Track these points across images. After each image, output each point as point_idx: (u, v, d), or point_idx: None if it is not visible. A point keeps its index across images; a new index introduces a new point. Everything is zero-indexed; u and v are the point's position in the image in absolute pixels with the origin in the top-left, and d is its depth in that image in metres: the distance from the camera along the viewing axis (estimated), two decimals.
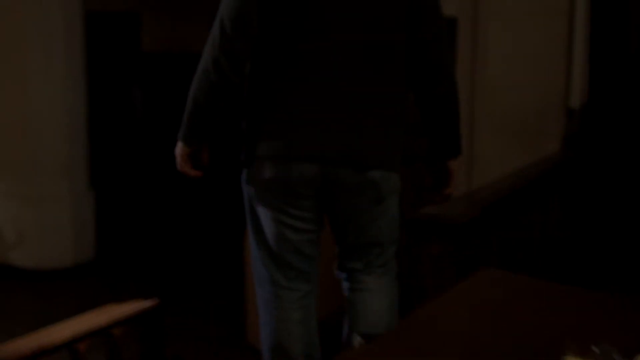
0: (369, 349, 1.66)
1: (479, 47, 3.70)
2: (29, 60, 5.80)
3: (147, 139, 8.01)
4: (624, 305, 1.74)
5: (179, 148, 2.62)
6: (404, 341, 1.58)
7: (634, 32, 3.56)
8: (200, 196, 7.60)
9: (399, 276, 2.66)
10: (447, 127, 2.65)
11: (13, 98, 5.88)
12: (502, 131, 3.48)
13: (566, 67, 3.61)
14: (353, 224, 2.60)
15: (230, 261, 6.01)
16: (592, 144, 3.55)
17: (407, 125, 2.59)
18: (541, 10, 3.61)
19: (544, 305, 1.71)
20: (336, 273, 2.81)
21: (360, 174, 2.48)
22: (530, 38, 3.63)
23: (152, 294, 5.54)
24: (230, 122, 2.91)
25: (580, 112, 3.58)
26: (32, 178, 5.97)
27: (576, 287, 1.84)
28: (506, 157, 3.55)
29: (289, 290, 2.68)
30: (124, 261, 6.42)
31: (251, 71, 2.53)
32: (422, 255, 2.33)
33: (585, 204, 3.33)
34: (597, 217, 3.30)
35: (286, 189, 2.50)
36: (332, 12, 2.40)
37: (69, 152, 6.03)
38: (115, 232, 6.90)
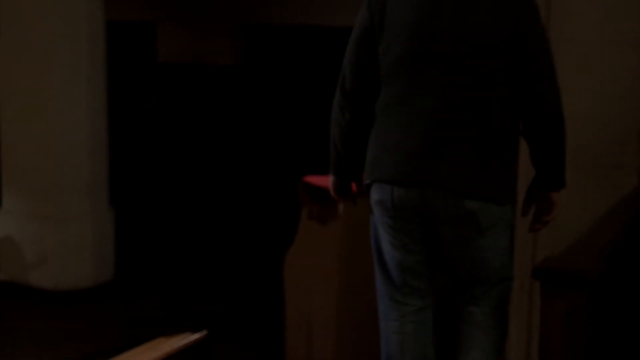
0: None
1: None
2: (53, 78, 5.63)
3: (164, 151, 7.87)
4: None
5: (330, 180, 3.02)
6: None
7: None
8: (224, 213, 7.50)
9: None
10: (552, 161, 2.71)
11: (35, 117, 5.70)
12: (574, 164, 3.36)
13: None
14: (454, 255, 2.74)
15: (262, 281, 5.92)
16: None
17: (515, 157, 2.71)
18: (617, 39, 3.53)
19: None
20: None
21: (458, 203, 2.60)
22: (604, 67, 3.54)
23: (175, 316, 5.46)
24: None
25: None
26: (53, 197, 5.81)
27: None
28: (578, 191, 3.44)
29: (404, 305, 2.86)
30: (144, 281, 6.25)
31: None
32: (547, 310, 2.23)
33: None
34: None
35: (392, 211, 2.71)
36: (436, 47, 2.56)
37: (90, 169, 5.88)
38: (134, 251, 6.73)
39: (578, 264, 2.23)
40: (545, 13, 3.58)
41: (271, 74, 7.70)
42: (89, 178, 5.88)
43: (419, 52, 2.58)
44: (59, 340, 5.13)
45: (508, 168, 2.68)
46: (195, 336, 4.16)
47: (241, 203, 7.69)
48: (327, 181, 4.99)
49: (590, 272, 2.19)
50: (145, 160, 7.91)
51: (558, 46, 3.65)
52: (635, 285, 2.87)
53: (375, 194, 2.77)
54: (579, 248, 2.42)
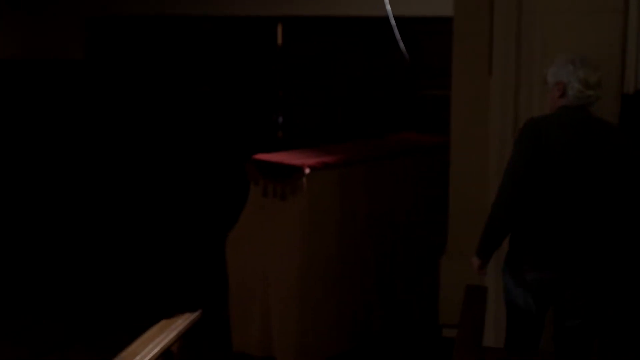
0: None
1: (536, 42, 3.97)
2: None
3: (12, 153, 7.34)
4: None
5: (476, 261, 3.72)
6: None
7: None
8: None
9: None
10: None
11: None
12: None
13: (621, 60, 3.96)
14: (569, 308, 3.59)
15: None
16: None
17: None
18: (598, 7, 3.93)
19: None
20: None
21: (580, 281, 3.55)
22: (587, 36, 3.90)
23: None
24: None
25: (633, 96, 3.92)
26: None
27: None
28: None
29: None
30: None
31: None
32: None
33: None
34: None
35: (527, 287, 3.59)
36: (575, 172, 3.49)
37: None
38: None
39: None
40: None
41: (122, 66, 7.53)
42: None
43: (567, 177, 3.48)
44: None
45: (616, 249, 3.61)
46: (194, 315, 4.08)
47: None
48: (281, 157, 5.01)
49: None
50: None
51: (542, 17, 4.02)
52: None
53: (513, 274, 3.63)
54: None
